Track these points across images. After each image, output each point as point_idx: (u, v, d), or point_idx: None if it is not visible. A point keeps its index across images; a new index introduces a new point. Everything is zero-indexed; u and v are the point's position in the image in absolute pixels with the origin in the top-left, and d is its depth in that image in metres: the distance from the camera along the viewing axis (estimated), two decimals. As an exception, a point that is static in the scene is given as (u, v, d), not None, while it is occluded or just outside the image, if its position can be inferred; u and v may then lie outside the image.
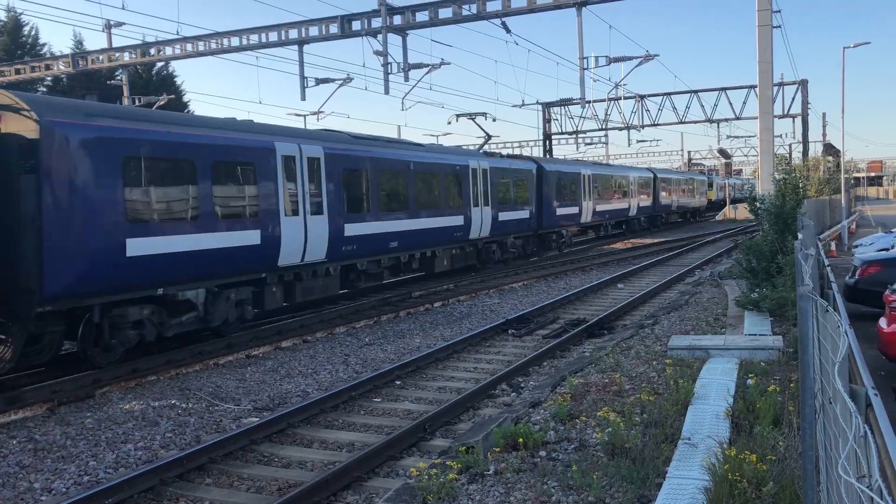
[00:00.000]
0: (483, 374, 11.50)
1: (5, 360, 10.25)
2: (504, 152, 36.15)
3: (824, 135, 61.00)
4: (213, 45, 27.48)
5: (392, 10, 24.05)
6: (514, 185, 26.23)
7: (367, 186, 17.71)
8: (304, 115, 38.59)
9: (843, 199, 40.20)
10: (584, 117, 48.66)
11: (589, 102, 37.08)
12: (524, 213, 26.78)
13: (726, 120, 46.50)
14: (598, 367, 10.55)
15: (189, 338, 13.26)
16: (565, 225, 31.24)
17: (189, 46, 28.13)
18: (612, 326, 14.86)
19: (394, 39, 24.40)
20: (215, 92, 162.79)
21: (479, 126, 27.26)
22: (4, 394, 9.90)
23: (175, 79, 49.01)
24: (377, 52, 24.25)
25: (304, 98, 40.60)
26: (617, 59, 27.87)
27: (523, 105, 41.13)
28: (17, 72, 32.86)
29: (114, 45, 30.72)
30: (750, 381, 8.73)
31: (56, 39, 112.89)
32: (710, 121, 45.95)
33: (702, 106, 45.64)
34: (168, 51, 29.30)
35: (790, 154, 53.79)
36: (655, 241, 36.97)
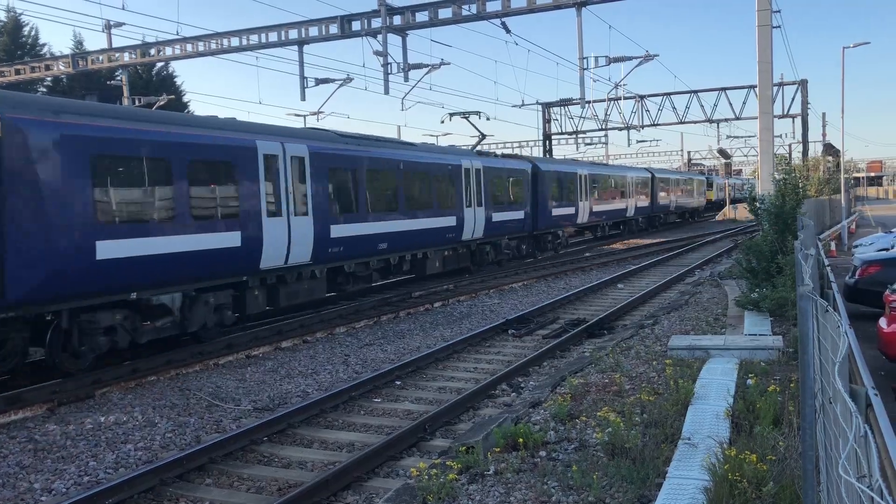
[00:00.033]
0: (483, 374, 11.50)
1: None
2: (504, 152, 36.05)
3: (824, 135, 61.10)
4: (213, 46, 27.49)
5: (392, 11, 24.06)
6: (509, 185, 25.84)
7: (355, 186, 17.29)
8: (304, 116, 38.60)
9: (842, 199, 40.22)
10: (583, 117, 48.72)
11: (589, 102, 37.08)
12: (519, 214, 26.39)
13: (726, 120, 46.51)
14: (598, 367, 10.55)
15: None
16: (561, 226, 30.97)
17: (189, 47, 28.15)
18: (612, 326, 14.86)
19: (393, 39, 24.45)
20: (215, 92, 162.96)
21: (473, 125, 27.02)
22: (4, 394, 9.89)
23: (175, 79, 49.13)
24: (377, 53, 24.26)
25: (304, 98, 40.68)
26: (617, 60, 27.89)
27: (523, 105, 41.16)
28: (17, 72, 32.87)
29: (114, 46, 30.75)
30: (750, 381, 8.73)
31: (56, 40, 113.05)
32: (710, 121, 45.95)
33: (701, 106, 45.70)
34: (168, 51, 29.32)
35: (790, 154, 53.89)
36: (654, 241, 36.95)
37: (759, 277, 15.46)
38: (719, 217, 61.70)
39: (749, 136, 64.51)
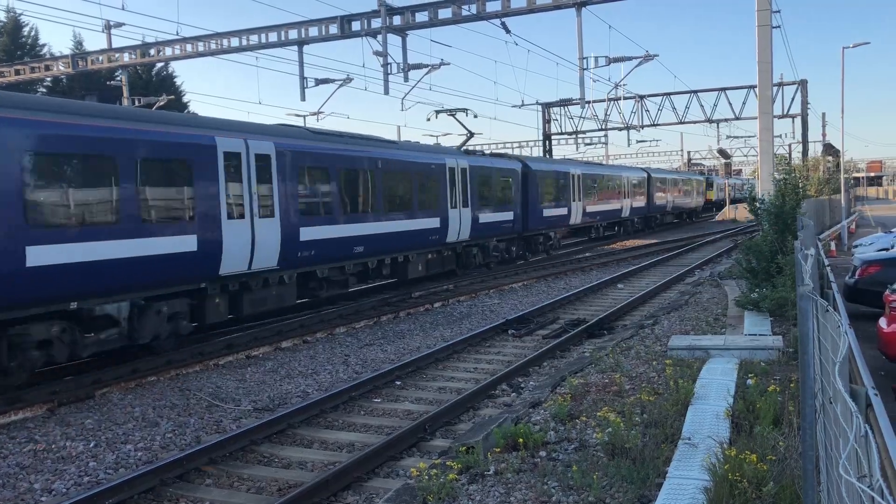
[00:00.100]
0: (483, 374, 11.50)
1: None
2: (503, 152, 35.88)
3: (824, 135, 61.13)
4: (213, 46, 27.51)
5: (392, 11, 24.08)
6: (497, 185, 24.97)
7: (328, 186, 16.36)
8: (304, 116, 38.52)
9: (842, 199, 40.24)
10: (583, 117, 48.76)
11: (589, 103, 37.05)
12: (508, 215, 25.50)
13: (726, 120, 46.54)
14: (598, 367, 10.55)
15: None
16: (553, 227, 30.28)
17: (189, 47, 28.16)
18: (612, 327, 14.86)
19: (393, 40, 24.46)
20: (215, 92, 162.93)
21: (460, 122, 26.11)
22: (4, 395, 9.89)
23: (175, 79, 49.13)
24: (377, 53, 24.28)
25: (303, 98, 40.66)
26: (616, 60, 27.88)
27: (523, 105, 41.16)
28: (17, 72, 32.88)
29: (113, 46, 30.78)
30: (750, 381, 8.73)
31: (56, 40, 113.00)
32: (710, 121, 45.97)
33: (701, 106, 45.74)
34: (168, 51, 29.33)
35: (790, 154, 53.92)
36: (653, 241, 36.91)
37: (759, 277, 15.47)
38: (719, 217, 61.65)
39: (749, 136, 64.56)
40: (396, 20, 24.22)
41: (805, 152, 47.12)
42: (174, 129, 12.49)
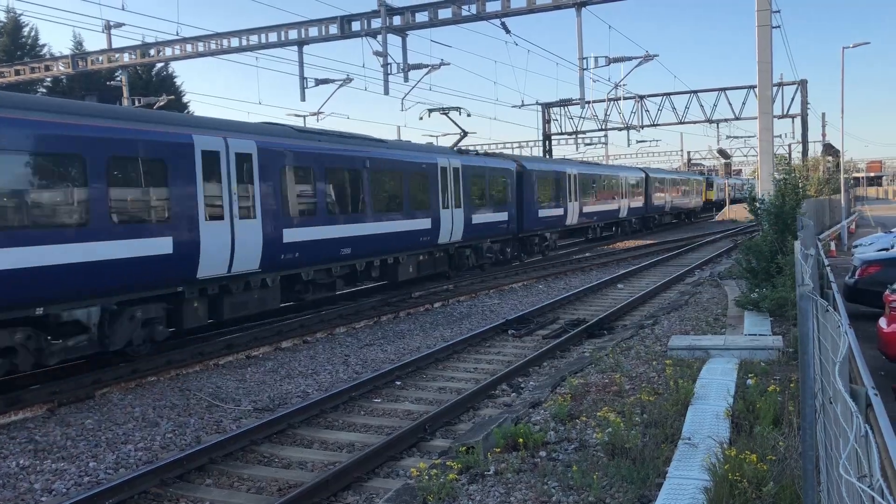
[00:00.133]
0: (483, 374, 11.50)
1: None
2: (499, 152, 35.76)
3: (824, 135, 61.14)
4: (213, 46, 27.52)
5: (392, 11, 24.10)
6: (491, 186, 24.46)
7: (313, 186, 15.85)
8: (304, 116, 38.55)
9: (842, 199, 40.26)
10: (583, 118, 48.74)
11: (588, 103, 37.04)
12: (502, 216, 25.05)
13: (726, 120, 46.53)
14: (598, 367, 10.56)
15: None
16: (549, 228, 29.99)
17: (189, 47, 28.17)
18: (611, 327, 14.87)
19: (393, 40, 24.48)
20: (215, 92, 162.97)
21: (453, 121, 25.93)
22: (4, 395, 9.89)
23: (175, 79, 49.17)
24: (377, 53, 24.29)
25: (303, 98, 40.66)
26: (616, 60, 27.87)
27: (523, 105, 41.16)
28: (17, 73, 32.90)
29: (113, 46, 30.79)
30: (750, 381, 8.74)
31: (56, 40, 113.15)
32: (710, 121, 45.96)
33: (701, 106, 45.73)
34: (168, 51, 29.34)
35: (790, 154, 53.95)
36: (653, 241, 36.90)
37: (758, 277, 15.48)
38: (719, 217, 61.64)
39: (749, 137, 64.56)
40: (396, 20, 24.23)
41: (805, 152, 47.15)
42: (148, 126, 12.01)
